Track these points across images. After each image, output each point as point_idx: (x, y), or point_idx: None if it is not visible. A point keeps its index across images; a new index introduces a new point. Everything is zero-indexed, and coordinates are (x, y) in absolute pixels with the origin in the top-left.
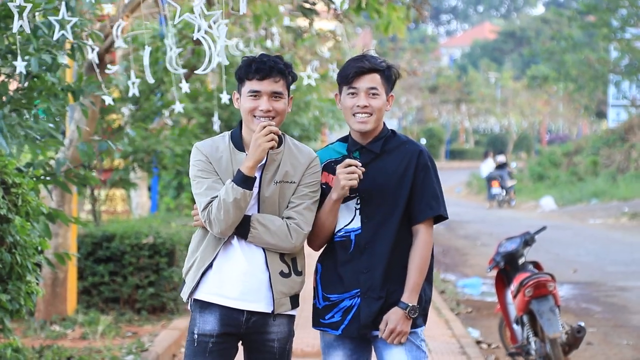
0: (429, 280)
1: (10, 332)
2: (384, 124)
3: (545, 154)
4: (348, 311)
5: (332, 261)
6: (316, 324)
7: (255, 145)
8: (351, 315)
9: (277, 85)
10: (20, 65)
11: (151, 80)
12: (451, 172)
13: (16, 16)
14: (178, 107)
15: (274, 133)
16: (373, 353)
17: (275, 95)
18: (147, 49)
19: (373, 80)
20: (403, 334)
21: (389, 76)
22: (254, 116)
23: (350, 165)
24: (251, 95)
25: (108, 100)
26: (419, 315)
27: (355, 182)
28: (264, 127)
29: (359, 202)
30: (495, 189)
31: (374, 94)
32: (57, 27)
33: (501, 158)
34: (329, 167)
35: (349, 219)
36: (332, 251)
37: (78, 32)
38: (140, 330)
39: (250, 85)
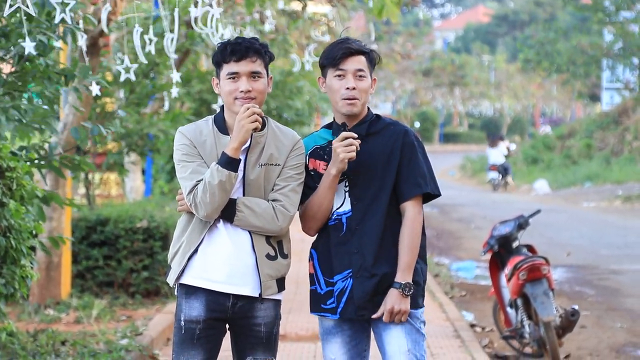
0: (423, 258)
1: (4, 316)
2: (368, 108)
3: (539, 137)
4: (342, 294)
5: (326, 246)
6: (316, 309)
7: (238, 127)
8: (345, 297)
9: (255, 64)
10: (29, 45)
11: (144, 61)
12: (445, 155)
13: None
14: (174, 91)
15: (257, 114)
16: (373, 339)
17: (254, 75)
18: (138, 30)
19: (360, 62)
20: (402, 312)
21: (372, 59)
22: (235, 98)
23: (346, 138)
24: (230, 78)
25: (95, 90)
26: (418, 295)
27: (353, 155)
28: (248, 108)
29: (347, 184)
30: (494, 172)
31: (360, 76)
32: (58, 10)
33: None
34: (316, 154)
35: (339, 202)
36: (326, 236)
37: (72, 16)
38: (134, 314)
39: (228, 68)
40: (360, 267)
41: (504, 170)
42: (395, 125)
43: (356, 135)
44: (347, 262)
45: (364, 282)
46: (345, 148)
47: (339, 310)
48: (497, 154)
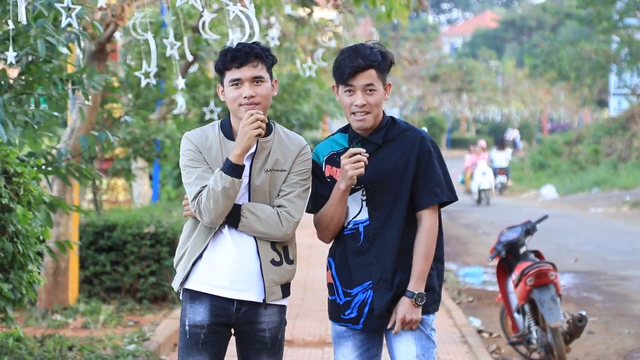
0: (440, 259)
1: (12, 321)
2: (383, 112)
3: (547, 142)
4: (363, 305)
5: (343, 255)
6: (336, 319)
7: (242, 133)
8: (367, 309)
9: (257, 69)
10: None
11: (154, 69)
12: (453, 161)
13: (20, 3)
14: (180, 101)
15: (260, 120)
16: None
17: (257, 79)
18: (151, 38)
19: (369, 76)
20: (414, 322)
21: (384, 67)
22: (240, 105)
23: (354, 154)
24: (233, 84)
25: (88, 100)
26: (430, 302)
27: (362, 171)
28: (251, 115)
29: (364, 193)
30: (502, 176)
31: (370, 90)
32: (64, 14)
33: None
34: (332, 160)
35: (356, 211)
36: (343, 244)
37: (79, 21)
38: (141, 319)
39: (230, 75)
40: (380, 279)
41: (507, 173)
42: (411, 131)
43: (364, 151)
44: (367, 273)
45: (384, 294)
46: (353, 165)
47: (362, 320)
48: (502, 158)
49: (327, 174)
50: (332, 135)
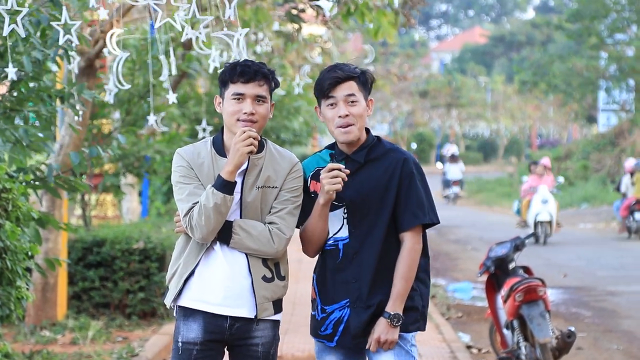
0: (424, 282)
1: (0, 337)
2: (369, 131)
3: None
4: (339, 323)
5: (323, 271)
6: (315, 334)
7: (234, 150)
8: (342, 327)
9: (261, 89)
10: (11, 71)
11: (120, 87)
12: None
13: (6, 20)
14: (171, 96)
15: (253, 138)
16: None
17: (259, 99)
18: (121, 56)
19: (350, 87)
20: (389, 342)
21: (365, 81)
22: (238, 120)
23: (333, 169)
24: (235, 98)
25: (78, 116)
26: (411, 321)
27: (339, 187)
28: (244, 132)
29: (345, 211)
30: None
31: (352, 102)
32: (61, 32)
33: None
34: (317, 176)
35: (337, 227)
36: (323, 259)
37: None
38: (130, 335)
39: (234, 88)
40: (357, 298)
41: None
42: (395, 152)
43: (343, 167)
44: (345, 291)
45: (360, 314)
46: (330, 180)
47: (336, 338)
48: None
49: (311, 189)
50: (319, 151)
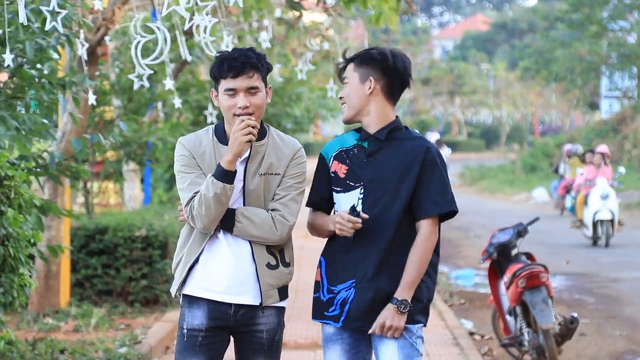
0: (431, 276)
1: (3, 324)
2: (398, 118)
3: (538, 145)
4: (344, 303)
5: (333, 251)
6: (319, 316)
7: (233, 139)
8: (347, 307)
9: (252, 80)
10: (8, 57)
11: (142, 72)
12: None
13: (5, 7)
14: (177, 102)
15: (252, 127)
16: None
17: (252, 90)
18: (139, 40)
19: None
20: (395, 328)
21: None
22: (234, 115)
23: (349, 221)
24: (227, 94)
25: (91, 100)
26: (416, 312)
27: (351, 232)
28: (242, 121)
29: (362, 191)
30: None
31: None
32: (49, 16)
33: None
34: (339, 157)
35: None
36: (334, 242)
37: (67, 23)
38: (133, 322)
39: (225, 84)
40: (363, 278)
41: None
42: (419, 140)
43: (360, 221)
44: (353, 271)
45: (363, 294)
46: (342, 225)
47: (342, 318)
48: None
49: (332, 169)
50: (345, 133)
